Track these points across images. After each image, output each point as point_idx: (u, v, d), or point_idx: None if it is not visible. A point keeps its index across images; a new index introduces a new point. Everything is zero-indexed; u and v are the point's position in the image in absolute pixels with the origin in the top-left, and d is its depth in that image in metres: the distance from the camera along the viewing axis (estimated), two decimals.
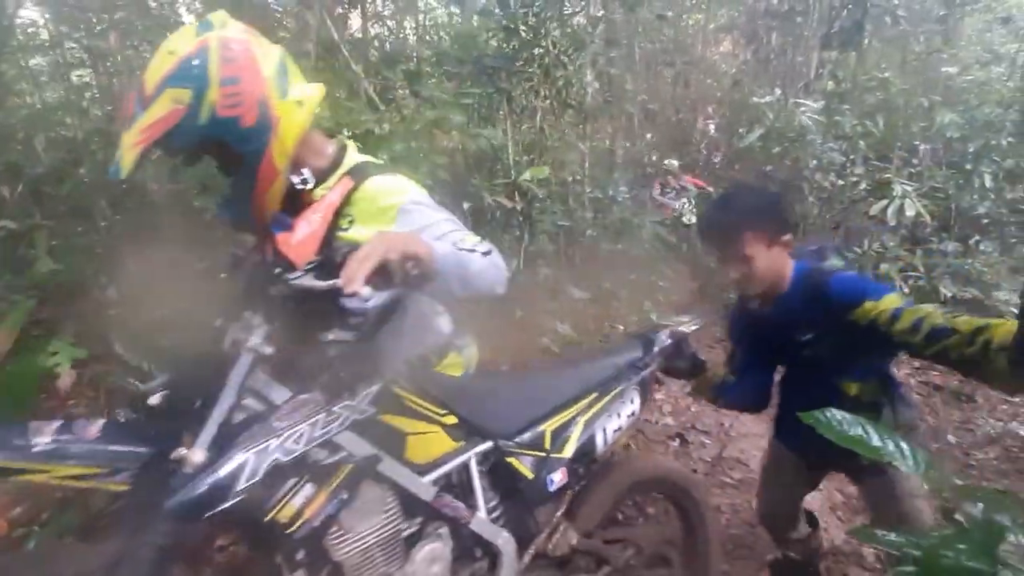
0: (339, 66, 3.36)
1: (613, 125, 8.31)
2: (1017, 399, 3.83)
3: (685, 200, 6.70)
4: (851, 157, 4.24)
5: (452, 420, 1.31)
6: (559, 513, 1.52)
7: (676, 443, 2.93)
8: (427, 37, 5.98)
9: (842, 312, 1.33)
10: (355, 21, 5.09)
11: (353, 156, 1.25)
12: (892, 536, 1.16)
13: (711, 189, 6.92)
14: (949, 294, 4.59)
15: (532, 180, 2.75)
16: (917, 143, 4.97)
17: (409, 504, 1.23)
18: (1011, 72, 7.43)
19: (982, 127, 4.51)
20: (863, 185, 4.26)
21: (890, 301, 1.28)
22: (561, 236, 3.53)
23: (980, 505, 1.04)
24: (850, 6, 5.89)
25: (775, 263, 1.40)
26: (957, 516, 1.45)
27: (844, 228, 4.86)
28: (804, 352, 1.46)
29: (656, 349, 1.67)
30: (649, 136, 9.80)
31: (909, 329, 1.21)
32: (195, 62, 1.00)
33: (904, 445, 1.08)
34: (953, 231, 4.70)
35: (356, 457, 1.12)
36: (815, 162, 4.29)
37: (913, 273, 4.49)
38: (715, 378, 1.72)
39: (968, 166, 4.50)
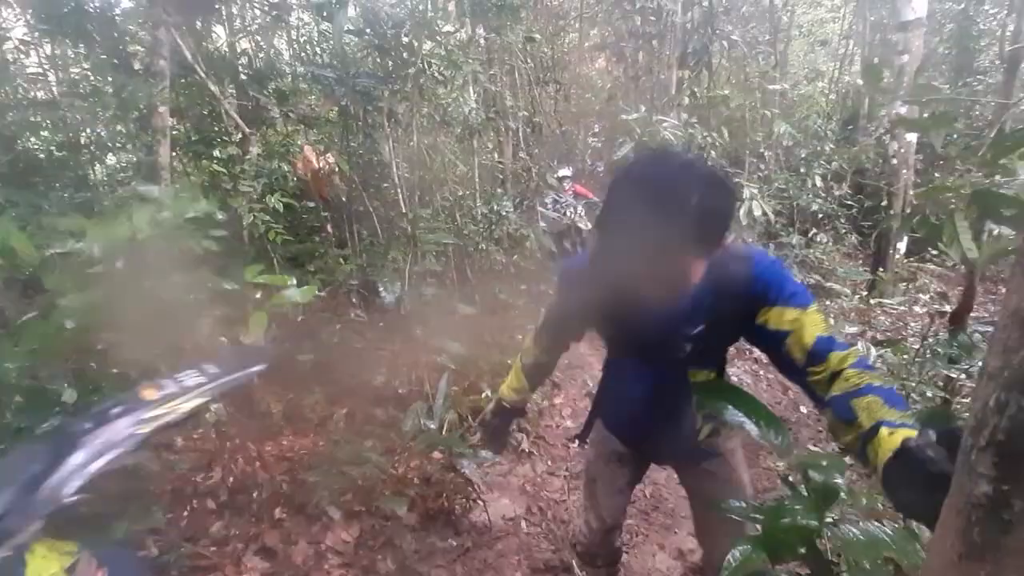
0: (199, 84, 3.12)
1: (499, 140, 8.55)
2: None
3: (572, 209, 7.02)
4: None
5: None
6: None
7: (575, 444, 3.04)
8: (302, 54, 5.75)
9: (753, 305, 1.10)
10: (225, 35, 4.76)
11: None
12: (741, 505, 1.25)
13: (596, 198, 7.34)
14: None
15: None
16: (762, 151, 5.63)
17: None
18: (831, 87, 8.72)
19: (811, 136, 5.24)
20: None
21: (814, 322, 1.05)
22: (451, 253, 3.54)
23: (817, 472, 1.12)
24: (700, 30, 6.55)
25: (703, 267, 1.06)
26: (791, 479, 1.58)
27: None
28: (678, 344, 1.21)
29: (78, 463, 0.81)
30: (536, 151, 10.23)
31: (820, 379, 1.02)
32: None
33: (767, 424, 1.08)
34: (796, 226, 5.38)
35: None
36: None
37: None
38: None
39: (802, 169, 5.20)
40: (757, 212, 4.29)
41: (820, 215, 5.34)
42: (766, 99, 5.30)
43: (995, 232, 1.66)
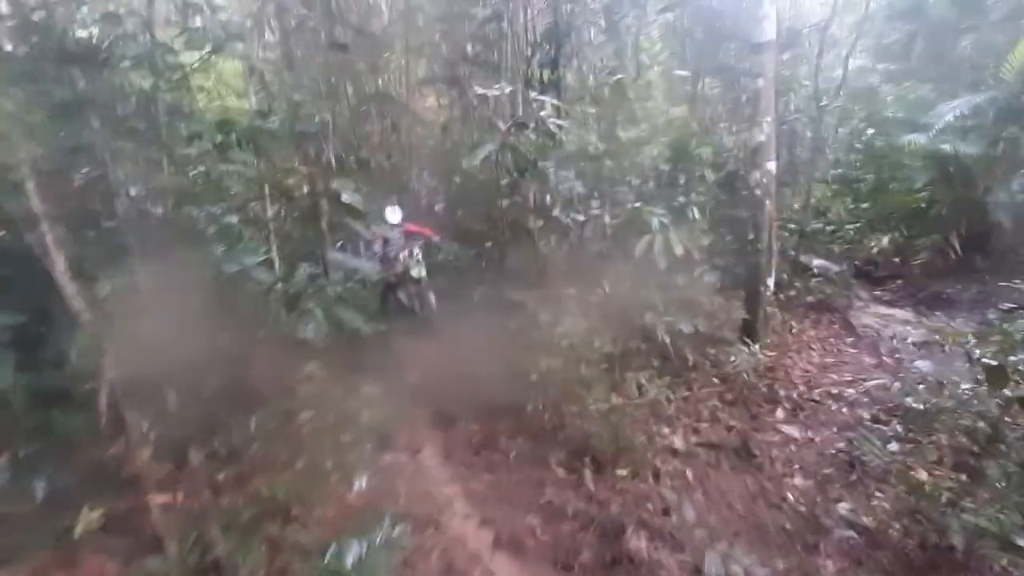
0: None
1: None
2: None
3: (408, 251, 5.23)
4: (590, 189, 3.42)
5: None
6: None
7: None
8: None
9: None
10: None
11: None
12: None
13: (437, 238, 5.67)
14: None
15: None
16: (628, 177, 4.53)
17: None
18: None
19: (687, 160, 4.29)
20: (608, 219, 3.47)
21: None
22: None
23: None
24: (544, 46, 5.47)
25: None
26: None
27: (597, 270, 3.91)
28: None
29: None
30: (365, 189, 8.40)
31: None
32: None
33: None
34: None
35: None
36: (548, 197, 3.29)
37: None
38: None
39: (681, 198, 4.17)
40: (678, 249, 3.04)
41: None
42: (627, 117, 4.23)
43: None
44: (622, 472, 2.75)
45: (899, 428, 3.28)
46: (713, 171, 4.51)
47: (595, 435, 2.96)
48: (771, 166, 4.74)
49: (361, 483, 2.16)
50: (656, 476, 2.73)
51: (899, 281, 7.45)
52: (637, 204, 3.32)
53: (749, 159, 4.73)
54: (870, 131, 7.43)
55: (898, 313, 6.49)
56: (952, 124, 6.57)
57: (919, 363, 3.62)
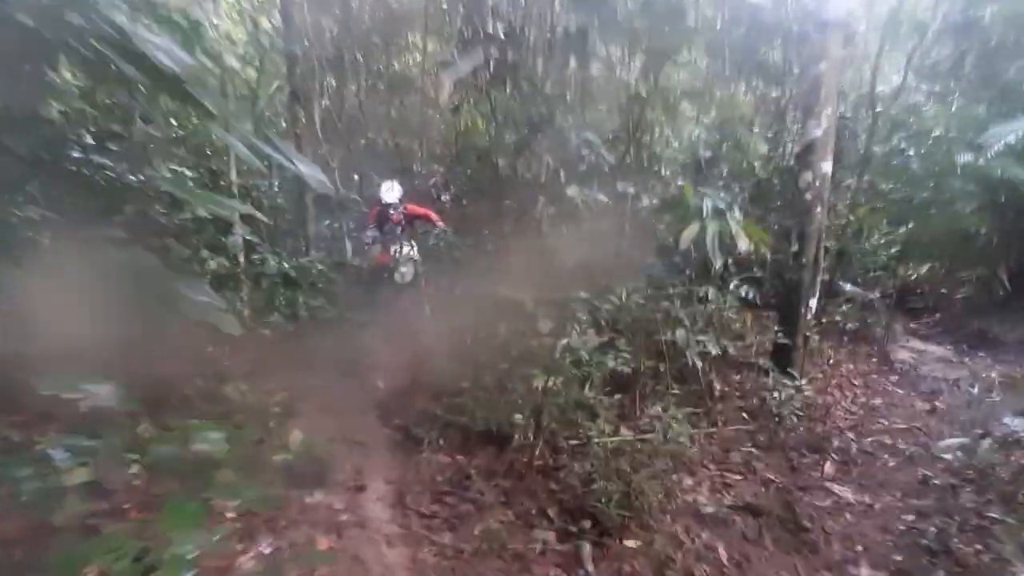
0: None
1: (296, 132, 5.73)
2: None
3: (400, 246, 4.34)
4: (619, 160, 2.64)
5: None
6: None
7: None
8: None
9: None
10: None
11: None
12: None
13: (443, 225, 4.76)
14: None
15: None
16: (653, 165, 3.75)
17: None
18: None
19: (733, 148, 3.51)
20: (646, 202, 2.69)
21: None
22: None
23: None
24: (571, 14, 4.67)
25: None
26: None
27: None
28: None
29: None
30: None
31: None
32: None
33: None
34: (712, 272, 3.54)
35: None
36: (563, 171, 2.51)
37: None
38: None
39: (723, 194, 3.40)
40: (742, 243, 2.26)
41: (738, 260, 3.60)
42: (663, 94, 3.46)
43: None
44: (632, 544, 1.98)
45: (987, 503, 2.48)
46: (760, 167, 3.70)
47: (598, 483, 2.18)
48: (826, 167, 3.94)
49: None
50: (681, 555, 1.96)
51: (937, 315, 6.64)
52: (680, 183, 2.54)
53: (801, 156, 3.94)
54: (915, 150, 6.63)
55: (935, 350, 5.70)
56: (1010, 147, 5.76)
57: (1011, 419, 2.83)
